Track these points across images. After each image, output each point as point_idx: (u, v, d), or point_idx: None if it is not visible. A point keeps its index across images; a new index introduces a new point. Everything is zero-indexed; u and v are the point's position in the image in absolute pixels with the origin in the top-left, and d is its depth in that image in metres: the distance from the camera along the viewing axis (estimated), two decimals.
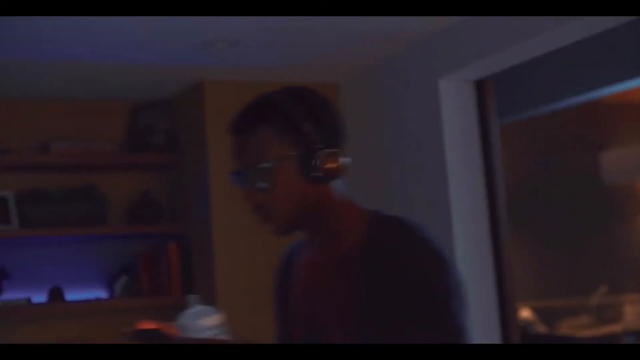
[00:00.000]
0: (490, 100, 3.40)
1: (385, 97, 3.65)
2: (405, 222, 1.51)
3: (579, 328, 5.67)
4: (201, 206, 3.72)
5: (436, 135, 3.33)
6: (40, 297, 3.73)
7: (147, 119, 3.91)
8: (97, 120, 3.96)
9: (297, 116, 1.52)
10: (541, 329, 5.82)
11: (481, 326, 3.27)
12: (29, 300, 3.65)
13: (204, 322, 1.49)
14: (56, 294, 3.72)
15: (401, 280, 1.43)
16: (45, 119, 3.87)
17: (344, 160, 1.52)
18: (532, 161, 6.07)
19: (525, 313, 5.76)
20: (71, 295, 3.77)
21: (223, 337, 1.49)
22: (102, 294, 3.87)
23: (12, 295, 3.69)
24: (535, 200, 6.03)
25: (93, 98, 3.92)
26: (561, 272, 6.09)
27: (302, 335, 1.63)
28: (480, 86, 3.39)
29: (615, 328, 5.55)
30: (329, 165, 1.50)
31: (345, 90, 3.92)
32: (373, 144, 3.73)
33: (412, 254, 1.45)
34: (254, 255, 3.66)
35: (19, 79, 3.51)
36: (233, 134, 1.57)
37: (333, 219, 1.56)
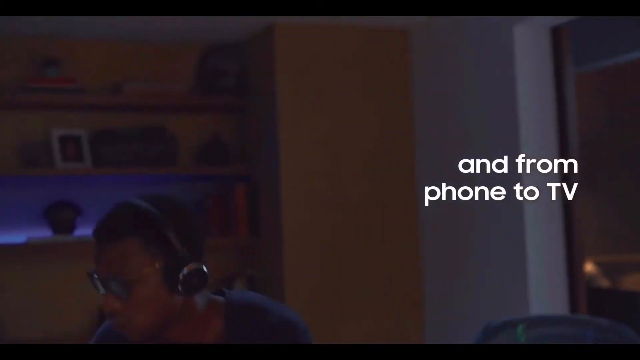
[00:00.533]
0: (566, 47, 3.33)
1: (459, 43, 3.60)
2: (255, 307, 1.61)
3: None
4: (269, 149, 3.75)
5: (509, 82, 3.28)
6: None
7: (218, 61, 3.94)
8: (168, 62, 4.00)
9: (163, 228, 1.51)
10: (604, 283, 5.75)
11: (548, 279, 3.25)
12: None
13: None
14: None
15: None
16: (118, 60, 3.93)
17: (205, 271, 1.54)
18: (605, 112, 5.94)
19: (588, 267, 5.70)
20: None
21: None
22: None
23: (84, 231, 3.80)
24: (606, 153, 5.92)
25: (165, 40, 3.96)
26: (627, 227, 6.00)
27: None
28: (556, 33, 3.31)
29: None
30: (193, 280, 1.52)
31: (417, 36, 3.87)
32: (444, 90, 3.69)
33: (269, 339, 1.57)
34: (320, 197, 3.69)
35: (93, 19, 3.56)
36: (98, 240, 1.53)
37: (192, 322, 1.59)
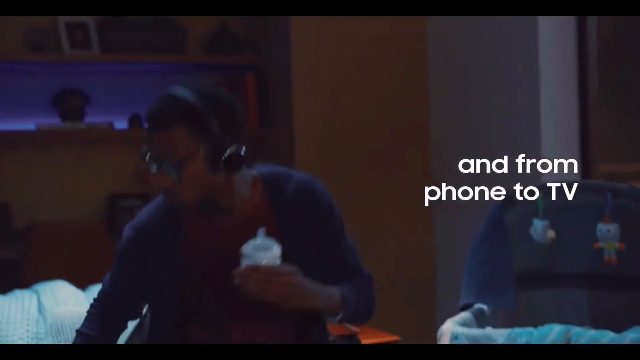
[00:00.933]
0: None
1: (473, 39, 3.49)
2: (284, 174, 1.91)
3: None
4: (280, 39, 3.70)
5: None
6: (120, 123, 3.80)
7: None
8: None
9: (207, 116, 1.73)
10: None
11: None
12: (111, 124, 3.72)
13: (263, 254, 1.74)
14: (135, 121, 3.79)
15: (307, 223, 1.86)
16: None
17: (244, 152, 1.78)
18: (624, 24, 5.84)
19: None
20: None
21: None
22: None
23: (93, 119, 3.78)
24: (623, 64, 5.85)
25: None
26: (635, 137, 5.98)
27: (204, 290, 1.86)
28: None
29: None
30: (232, 161, 1.75)
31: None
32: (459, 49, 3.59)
33: (306, 199, 1.88)
34: (332, 87, 3.66)
35: None
36: (148, 127, 1.76)
37: (236, 193, 1.83)
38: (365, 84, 3.70)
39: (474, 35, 3.52)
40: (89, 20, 3.72)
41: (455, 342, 2.06)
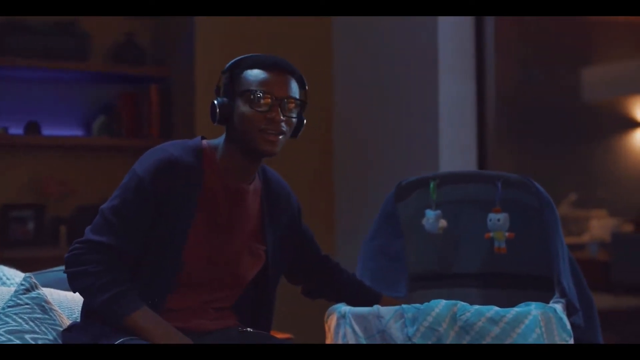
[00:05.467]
0: None
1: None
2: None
3: None
4: (185, 51, 3.67)
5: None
6: (16, 130, 3.68)
7: None
8: None
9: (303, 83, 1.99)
10: None
11: None
12: (5, 129, 3.60)
13: None
14: (32, 129, 3.67)
15: (287, 209, 2.06)
16: None
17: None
18: (519, 64, 6.03)
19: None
20: (47, 131, 3.73)
21: None
22: (78, 132, 3.82)
23: None
24: (519, 108, 6.01)
25: None
26: (536, 178, 6.13)
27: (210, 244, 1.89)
28: None
29: (582, 239, 5.64)
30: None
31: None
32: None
33: (285, 191, 2.07)
34: None
35: None
36: (271, 70, 1.93)
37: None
38: None
39: (378, 35, 3.56)
40: None
41: (342, 320, 2.02)
